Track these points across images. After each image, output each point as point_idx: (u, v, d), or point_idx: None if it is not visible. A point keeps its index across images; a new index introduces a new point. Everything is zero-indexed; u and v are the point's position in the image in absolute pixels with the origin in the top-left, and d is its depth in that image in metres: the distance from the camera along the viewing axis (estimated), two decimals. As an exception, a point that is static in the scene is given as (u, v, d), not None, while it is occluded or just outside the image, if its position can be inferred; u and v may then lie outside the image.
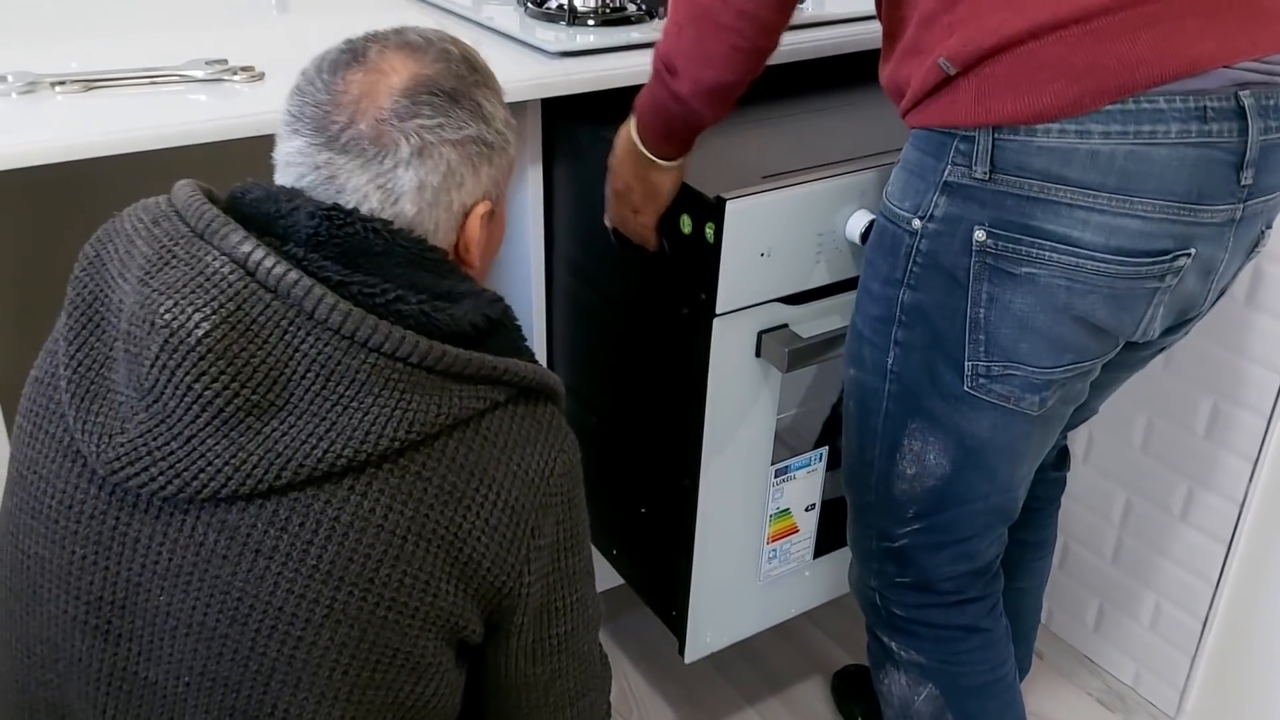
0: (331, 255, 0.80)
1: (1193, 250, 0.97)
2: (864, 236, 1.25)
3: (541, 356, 1.55)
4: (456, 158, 0.85)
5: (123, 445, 0.76)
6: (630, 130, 1.18)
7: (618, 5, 1.48)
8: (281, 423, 0.75)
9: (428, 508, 0.79)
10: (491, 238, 0.94)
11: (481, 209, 0.89)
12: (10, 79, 1.16)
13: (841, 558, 1.58)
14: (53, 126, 1.09)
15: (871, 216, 1.25)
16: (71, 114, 1.12)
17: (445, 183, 0.85)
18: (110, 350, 0.79)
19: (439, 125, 0.84)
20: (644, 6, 1.50)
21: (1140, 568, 1.68)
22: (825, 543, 1.55)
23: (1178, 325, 1.11)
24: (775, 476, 1.44)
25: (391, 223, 0.83)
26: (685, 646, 1.48)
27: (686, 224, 1.23)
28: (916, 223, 1.02)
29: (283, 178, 0.86)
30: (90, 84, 1.17)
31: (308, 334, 0.76)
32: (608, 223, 1.29)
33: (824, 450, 1.47)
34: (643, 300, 1.36)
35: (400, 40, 0.87)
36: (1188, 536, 1.59)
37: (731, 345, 1.29)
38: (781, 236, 1.24)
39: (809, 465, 1.47)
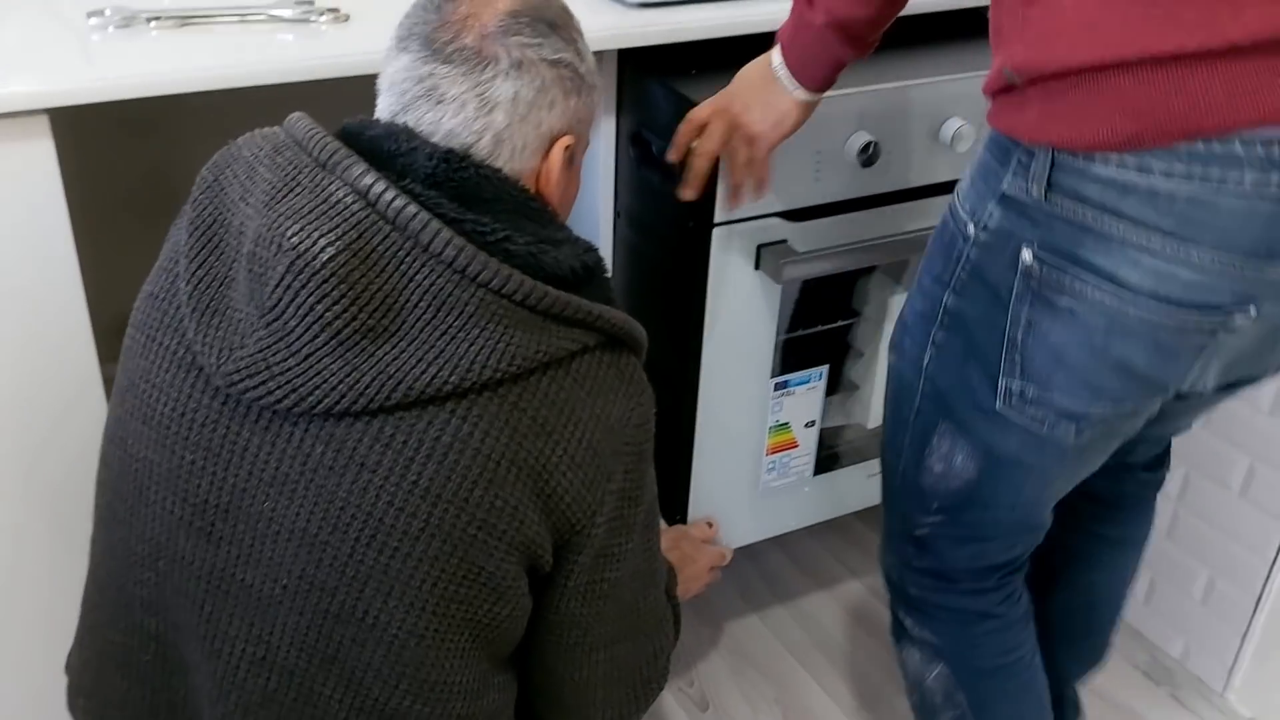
0: (447, 194, 0.84)
1: (1254, 309, 0.90)
2: (861, 155, 1.30)
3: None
4: (552, 76, 0.89)
5: (243, 359, 0.80)
6: (771, 57, 1.17)
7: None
8: (394, 347, 0.79)
9: (521, 437, 0.83)
10: (570, 185, 0.98)
11: (566, 140, 0.92)
12: (108, 13, 1.20)
13: (841, 477, 1.63)
14: (148, 61, 1.13)
15: (869, 138, 1.31)
16: (165, 49, 1.16)
17: (538, 99, 0.89)
18: (230, 270, 0.84)
19: (539, 44, 0.88)
20: (723, -41, 1.49)
21: (1195, 543, 1.68)
22: (825, 461, 1.60)
23: (1240, 382, 1.05)
24: (775, 390, 1.49)
25: (500, 170, 0.88)
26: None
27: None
28: (972, 229, 1.00)
29: (386, 98, 0.90)
30: (184, 20, 1.20)
31: (423, 265, 0.80)
32: (671, 157, 1.29)
33: (824, 369, 1.51)
34: (659, 219, 1.40)
35: None
36: (1246, 513, 1.59)
37: (732, 256, 1.35)
38: (780, 151, 1.25)
39: (809, 382, 1.52)
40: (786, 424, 1.54)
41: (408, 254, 0.80)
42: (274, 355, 0.79)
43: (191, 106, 1.18)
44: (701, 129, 1.24)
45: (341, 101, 1.04)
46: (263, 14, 1.23)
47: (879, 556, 1.31)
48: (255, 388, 0.80)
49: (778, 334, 1.46)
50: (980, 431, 1.06)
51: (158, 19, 1.20)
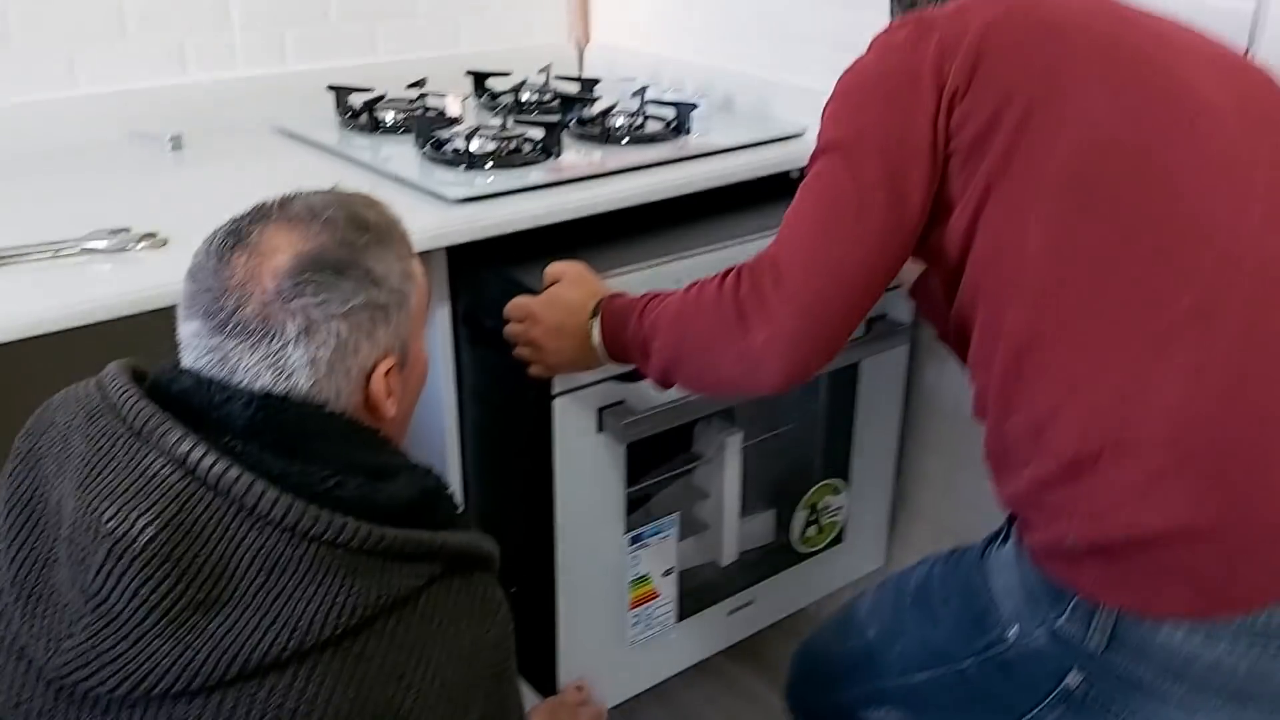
0: (269, 444, 0.81)
1: None
2: None
3: (458, 485, 1.57)
4: (346, 328, 0.86)
5: (71, 650, 0.76)
6: (595, 330, 1.20)
7: (514, 147, 1.53)
8: (227, 618, 0.76)
9: (369, 688, 0.80)
10: (409, 383, 0.96)
11: (385, 365, 0.90)
12: (-92, 262, 1.15)
13: (705, 618, 1.67)
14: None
15: None
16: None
17: (338, 353, 0.86)
18: (51, 550, 0.80)
19: (324, 301, 0.85)
20: (540, 147, 1.55)
21: None
22: (688, 606, 1.63)
23: None
24: (630, 544, 1.51)
25: (324, 406, 0.85)
26: (560, 715, 1.54)
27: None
28: (1014, 633, 1.02)
29: (185, 358, 0.88)
30: (-8, 262, 1.17)
31: (250, 529, 0.78)
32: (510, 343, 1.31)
33: (675, 515, 1.55)
34: (501, 394, 1.44)
35: (283, 214, 0.88)
36: None
37: (574, 423, 1.40)
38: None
39: (662, 532, 1.55)
40: (646, 575, 1.56)
41: (233, 519, 0.78)
42: (103, 642, 0.76)
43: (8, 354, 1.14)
44: (525, 318, 1.27)
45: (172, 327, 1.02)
46: (76, 248, 1.20)
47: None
48: (88, 677, 0.76)
49: (626, 489, 1.50)
50: None
51: (-37, 263, 1.16)
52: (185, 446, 0.78)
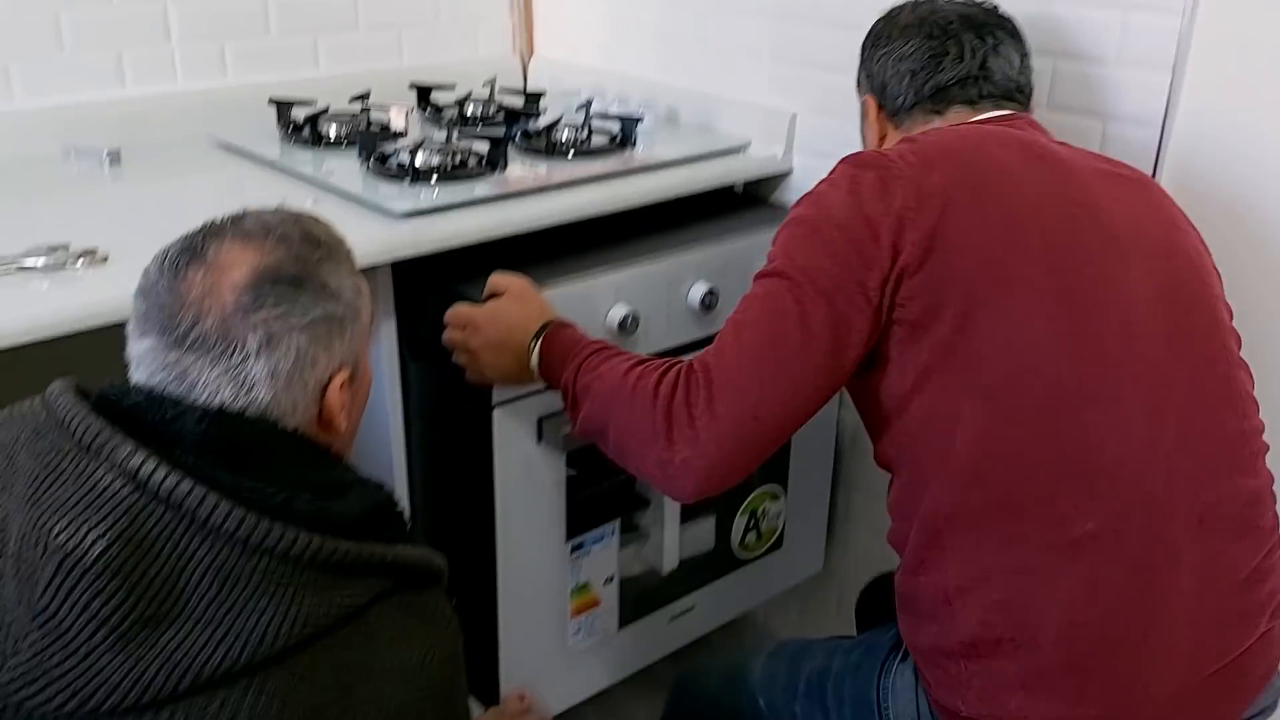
0: (221, 460, 0.82)
1: None
2: (620, 325, 1.41)
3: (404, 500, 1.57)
4: (306, 340, 0.88)
5: (18, 667, 0.76)
6: (534, 355, 1.22)
7: (459, 161, 1.53)
8: (178, 632, 0.76)
9: (318, 703, 0.80)
10: (356, 397, 0.97)
11: (340, 379, 0.91)
12: None
13: (646, 625, 1.68)
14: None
15: (627, 310, 1.42)
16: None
17: (297, 366, 0.87)
18: None
19: (284, 314, 0.86)
20: (485, 161, 1.55)
21: None
22: (628, 613, 1.64)
23: None
24: (572, 552, 1.53)
25: (276, 423, 0.86)
26: (503, 724, 1.55)
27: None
28: None
29: (136, 375, 0.87)
30: (-76, 280, 1.15)
31: (202, 542, 0.78)
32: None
33: (615, 523, 1.57)
34: (441, 406, 1.44)
35: (237, 231, 0.89)
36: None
37: (514, 433, 1.41)
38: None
39: (603, 540, 1.56)
40: (587, 584, 1.57)
41: (184, 532, 0.78)
42: (50, 659, 0.75)
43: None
44: (465, 325, 1.28)
45: (116, 343, 1.01)
46: (12, 265, 1.18)
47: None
48: (35, 695, 0.75)
49: (567, 498, 1.50)
50: None
51: (-105, 281, 1.14)
52: (136, 460, 0.78)
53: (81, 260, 1.21)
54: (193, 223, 0.92)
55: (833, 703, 1.19)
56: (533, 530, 1.48)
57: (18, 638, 0.76)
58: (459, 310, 1.29)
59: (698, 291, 1.51)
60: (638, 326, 1.45)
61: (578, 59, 2.07)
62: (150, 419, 0.83)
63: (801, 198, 1.10)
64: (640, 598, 1.67)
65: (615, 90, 1.92)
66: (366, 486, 0.90)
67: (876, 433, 1.12)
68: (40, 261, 1.20)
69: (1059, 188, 1.06)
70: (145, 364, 0.86)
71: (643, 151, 1.67)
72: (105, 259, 1.22)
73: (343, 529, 0.84)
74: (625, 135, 1.69)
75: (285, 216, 0.92)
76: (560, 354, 1.20)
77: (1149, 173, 1.30)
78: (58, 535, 0.75)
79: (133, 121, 1.72)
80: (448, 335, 1.29)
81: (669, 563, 1.67)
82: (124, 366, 0.89)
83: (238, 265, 0.86)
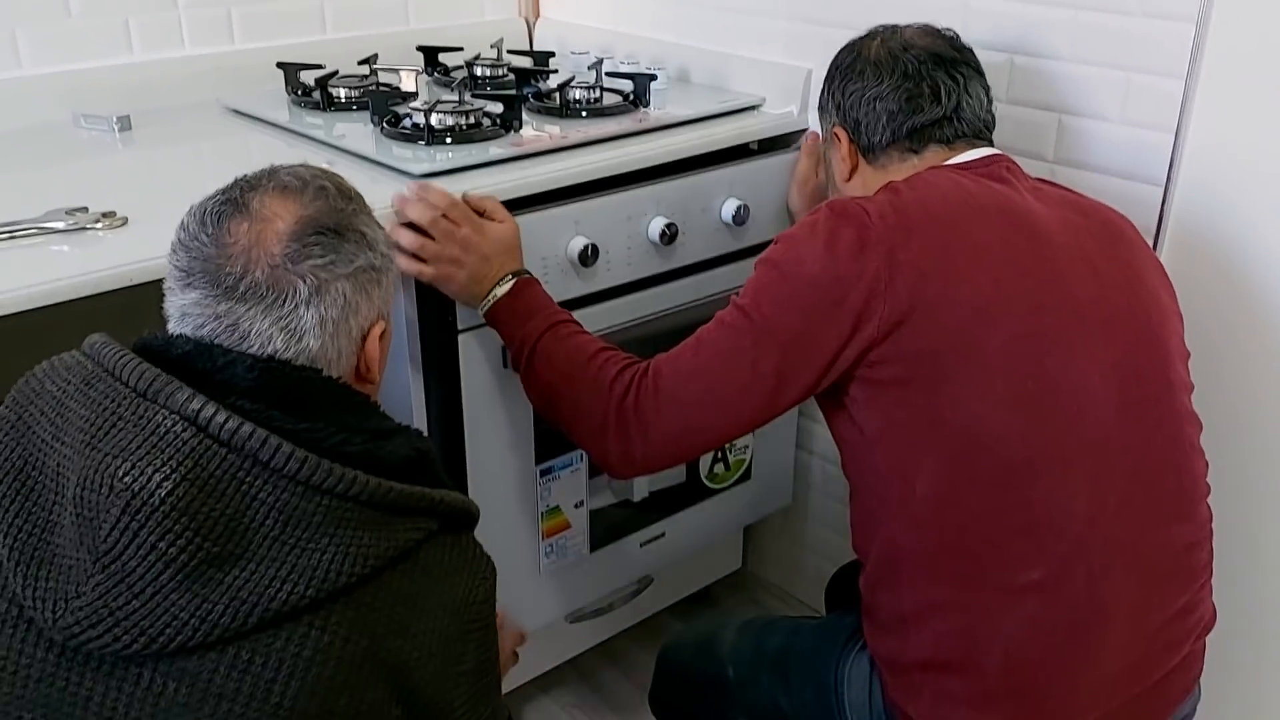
0: (275, 404, 0.83)
1: None
2: (580, 256, 1.43)
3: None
4: (351, 288, 0.90)
5: (81, 608, 0.77)
6: (500, 289, 1.29)
7: (474, 122, 1.52)
8: (243, 570, 0.78)
9: (379, 638, 0.82)
10: (384, 351, 0.99)
11: (378, 329, 0.94)
12: None
13: (618, 549, 1.72)
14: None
15: (586, 241, 1.43)
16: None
17: (344, 313, 0.90)
18: (51, 514, 0.80)
19: (330, 263, 0.89)
20: (499, 121, 1.54)
21: None
22: (601, 537, 1.68)
23: None
24: (541, 476, 1.56)
25: (320, 371, 0.88)
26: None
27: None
28: None
29: (179, 327, 0.88)
30: (-55, 244, 1.14)
31: (264, 483, 0.79)
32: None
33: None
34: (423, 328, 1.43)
35: (276, 184, 0.90)
36: None
37: (481, 358, 1.43)
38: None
39: (571, 465, 1.59)
40: (557, 507, 1.60)
41: (247, 474, 0.79)
42: (115, 599, 0.76)
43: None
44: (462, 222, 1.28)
45: (135, 305, 1.01)
46: (33, 227, 1.18)
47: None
48: (100, 635, 0.77)
49: (535, 423, 1.52)
50: None
51: (-84, 245, 1.13)
52: (196, 405, 0.79)
53: (101, 223, 1.20)
54: (208, 187, 0.93)
55: (795, 679, 1.26)
56: (501, 454, 1.51)
57: (79, 581, 0.77)
58: (462, 208, 1.29)
59: (656, 225, 1.52)
60: (598, 258, 1.46)
61: (584, 20, 2.06)
62: (201, 367, 0.84)
63: (781, 235, 1.15)
64: (613, 526, 1.71)
65: (624, 50, 1.90)
66: (408, 433, 0.92)
67: (843, 454, 1.19)
68: (61, 224, 1.19)
69: (1031, 270, 1.09)
70: (192, 316, 0.87)
71: (656, 110, 1.66)
72: (125, 222, 1.22)
73: (391, 472, 0.86)
74: (639, 94, 1.68)
75: (315, 171, 0.93)
76: (526, 309, 1.27)
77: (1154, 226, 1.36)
78: (123, 476, 0.76)
79: (141, 87, 1.70)
80: (437, 219, 1.26)
81: (639, 493, 1.72)
82: (132, 331, 0.89)
83: (281, 216, 0.88)
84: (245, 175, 0.92)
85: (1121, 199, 1.32)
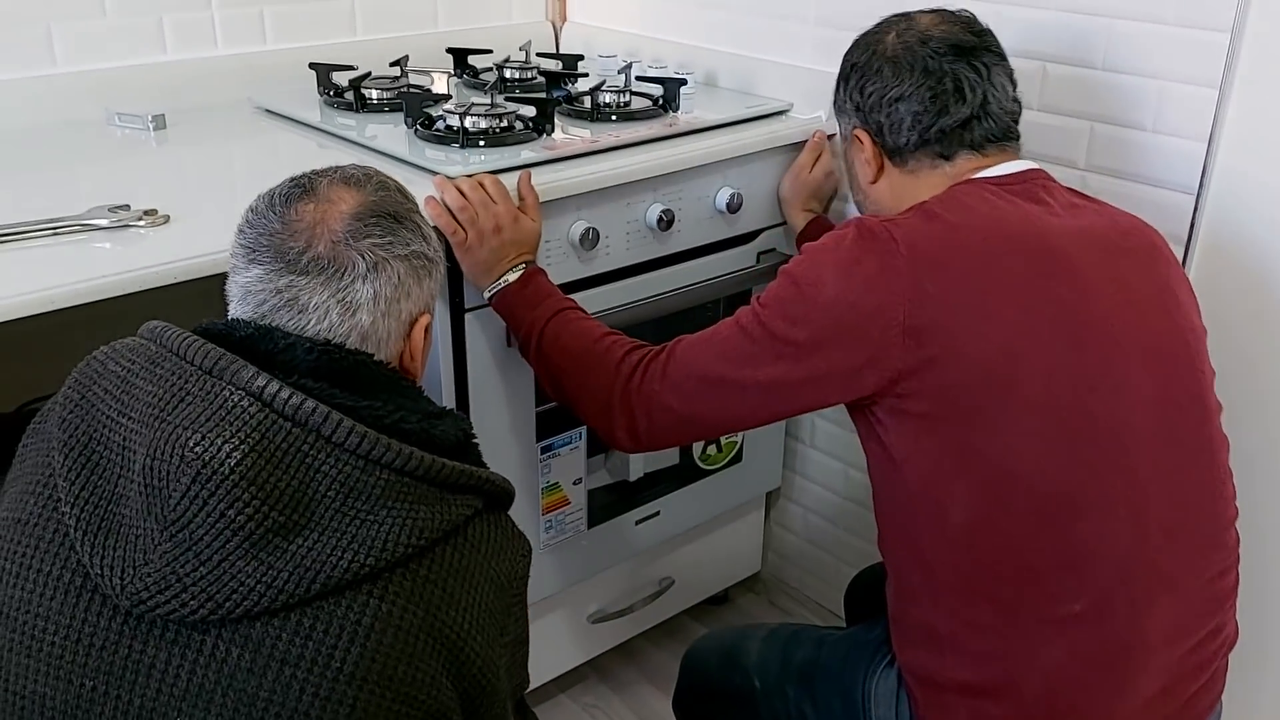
0: (336, 383, 0.87)
1: None
2: (581, 239, 1.46)
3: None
4: (405, 269, 0.94)
5: (149, 575, 0.79)
6: (511, 274, 1.34)
7: (506, 125, 1.53)
8: (306, 539, 0.80)
9: (435, 609, 0.85)
10: (428, 345, 1.02)
11: (424, 321, 0.98)
12: (-94, 241, 1.13)
13: (614, 526, 1.75)
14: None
15: (587, 225, 1.47)
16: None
17: (396, 292, 0.94)
18: (116, 487, 0.83)
19: (389, 243, 0.93)
20: (531, 125, 1.55)
21: None
22: (598, 514, 1.72)
23: None
24: (542, 453, 1.60)
25: (372, 355, 0.91)
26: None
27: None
28: None
29: (241, 307, 0.92)
30: (-9, 240, 1.15)
31: (328, 456, 0.82)
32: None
33: (583, 429, 1.62)
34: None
35: (342, 175, 0.96)
36: None
37: (485, 337, 1.47)
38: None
39: (571, 442, 1.63)
40: (557, 484, 1.64)
41: (311, 447, 0.82)
42: (183, 566, 0.79)
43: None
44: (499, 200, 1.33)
45: (179, 301, 1.01)
46: (76, 225, 1.19)
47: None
48: (167, 601, 0.79)
49: (537, 403, 1.55)
50: None
51: (-39, 241, 1.14)
52: (261, 381, 0.83)
53: (144, 220, 1.21)
54: (244, 186, 0.97)
55: (821, 694, 1.25)
56: (504, 431, 1.54)
57: (147, 549, 0.80)
58: (504, 188, 1.34)
59: (654, 212, 1.54)
60: (598, 242, 1.49)
61: (611, 24, 2.07)
62: (263, 349, 0.88)
63: (807, 247, 1.13)
64: (609, 504, 1.74)
65: (651, 54, 1.91)
66: (455, 416, 0.96)
67: (870, 464, 1.17)
68: (104, 221, 1.20)
69: (1068, 306, 1.06)
70: (254, 292, 0.90)
71: (685, 115, 1.67)
72: (167, 219, 1.23)
73: (443, 451, 0.89)
74: (668, 98, 1.69)
75: (375, 171, 0.98)
76: (535, 295, 1.32)
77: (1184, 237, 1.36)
78: (194, 446, 0.79)
79: (174, 86, 1.72)
80: (475, 195, 1.32)
81: (635, 473, 1.75)
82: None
83: (345, 200, 0.93)
84: (307, 170, 0.96)
85: (1153, 207, 1.33)
